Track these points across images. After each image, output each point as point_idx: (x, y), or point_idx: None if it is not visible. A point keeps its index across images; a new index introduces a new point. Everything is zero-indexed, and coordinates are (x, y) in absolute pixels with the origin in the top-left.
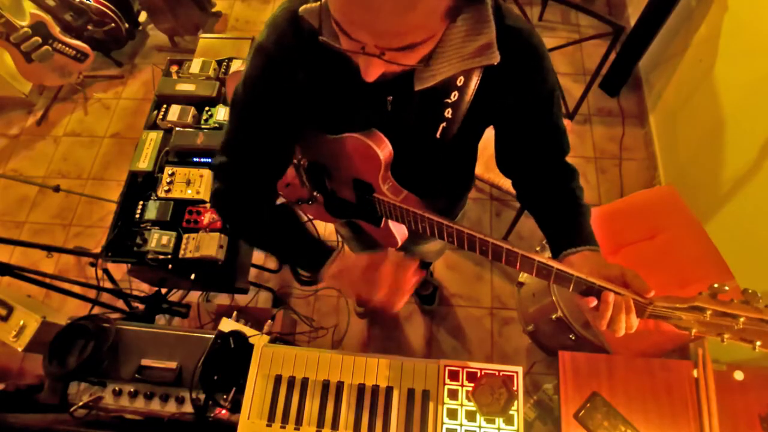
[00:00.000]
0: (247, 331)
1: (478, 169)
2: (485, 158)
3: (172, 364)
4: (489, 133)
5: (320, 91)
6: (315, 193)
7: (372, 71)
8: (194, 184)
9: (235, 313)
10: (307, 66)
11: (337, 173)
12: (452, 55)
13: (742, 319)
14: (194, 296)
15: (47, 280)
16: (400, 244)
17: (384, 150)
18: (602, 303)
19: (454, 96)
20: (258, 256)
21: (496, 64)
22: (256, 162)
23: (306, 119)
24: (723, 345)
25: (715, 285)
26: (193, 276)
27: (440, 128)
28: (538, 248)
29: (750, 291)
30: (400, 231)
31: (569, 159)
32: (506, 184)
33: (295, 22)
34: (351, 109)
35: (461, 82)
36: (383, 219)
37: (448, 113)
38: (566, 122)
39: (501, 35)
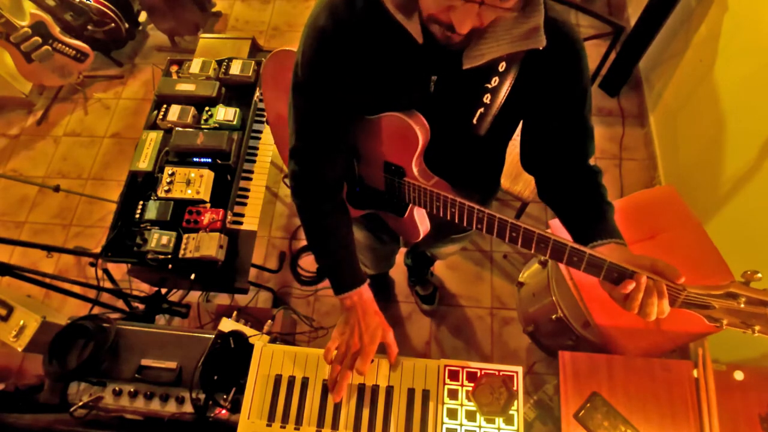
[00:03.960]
0: (247, 331)
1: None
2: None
3: (172, 364)
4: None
5: (369, 67)
6: None
7: (467, 22)
8: (194, 184)
9: (235, 313)
10: (359, 42)
11: (367, 156)
12: (502, 35)
13: None
14: (194, 296)
15: (47, 280)
16: (422, 236)
17: (423, 131)
18: (636, 286)
19: (495, 81)
20: (258, 256)
21: (541, 48)
22: (328, 142)
23: (354, 98)
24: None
25: (748, 271)
26: (193, 276)
27: (477, 113)
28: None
29: None
30: (423, 223)
31: None
32: (517, 189)
33: None
34: (395, 88)
35: (503, 68)
36: (408, 208)
37: (486, 98)
38: None
39: (546, 26)
